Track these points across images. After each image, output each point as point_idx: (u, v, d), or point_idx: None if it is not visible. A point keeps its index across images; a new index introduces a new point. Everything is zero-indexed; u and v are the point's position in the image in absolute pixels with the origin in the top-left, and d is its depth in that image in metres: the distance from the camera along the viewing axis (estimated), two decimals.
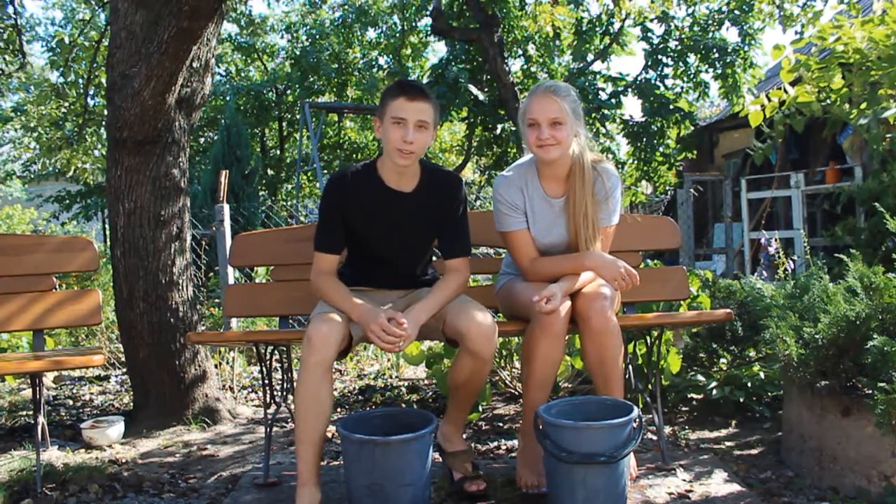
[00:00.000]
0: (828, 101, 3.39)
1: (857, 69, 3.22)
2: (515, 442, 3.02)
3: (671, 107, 9.25)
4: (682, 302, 3.40)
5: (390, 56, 13.53)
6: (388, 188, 2.42)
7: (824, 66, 3.30)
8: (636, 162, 9.78)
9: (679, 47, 9.40)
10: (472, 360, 2.32)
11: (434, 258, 2.67)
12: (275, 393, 2.77)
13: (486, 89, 9.24)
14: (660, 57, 9.43)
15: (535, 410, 2.33)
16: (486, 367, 2.37)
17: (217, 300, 5.61)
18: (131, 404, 3.74)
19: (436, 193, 2.45)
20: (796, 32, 5.39)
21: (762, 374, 3.33)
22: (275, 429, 3.30)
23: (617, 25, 9.65)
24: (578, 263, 2.45)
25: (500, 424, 3.40)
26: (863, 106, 3.22)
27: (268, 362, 2.72)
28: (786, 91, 3.46)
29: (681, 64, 9.43)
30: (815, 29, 3.58)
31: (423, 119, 2.32)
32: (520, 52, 10.05)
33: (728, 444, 2.99)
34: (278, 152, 14.04)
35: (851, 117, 3.28)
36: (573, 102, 2.47)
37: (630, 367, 2.84)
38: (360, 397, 4.00)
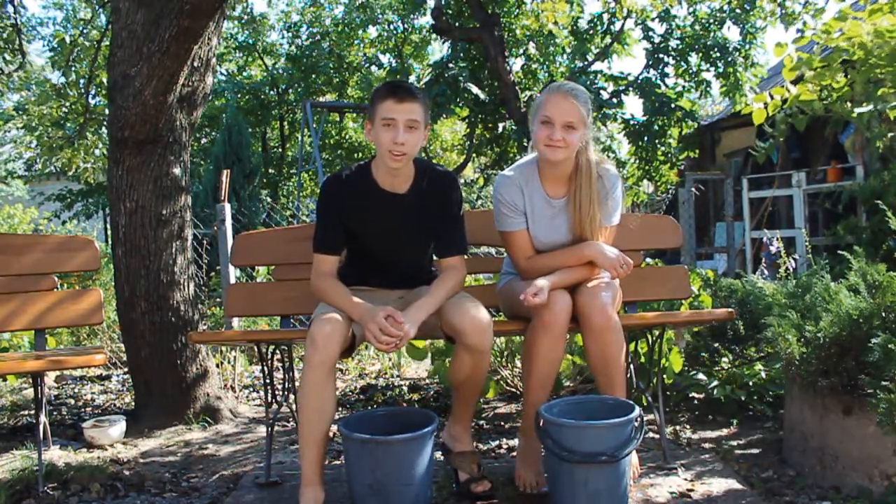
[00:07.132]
0: (829, 100, 3.36)
1: (861, 66, 3.19)
2: (516, 441, 3.01)
3: (672, 105, 9.24)
4: (683, 301, 3.40)
5: (393, 54, 13.51)
6: (382, 190, 2.42)
7: (826, 65, 3.27)
8: (637, 161, 9.77)
9: (680, 46, 9.38)
10: (470, 354, 2.32)
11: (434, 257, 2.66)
12: (276, 392, 2.77)
13: (486, 88, 9.23)
14: (661, 56, 9.41)
15: (535, 409, 2.33)
16: (485, 359, 2.37)
17: (218, 299, 5.61)
18: (133, 404, 3.74)
19: (430, 193, 2.44)
20: (798, 30, 5.37)
21: (764, 373, 3.33)
22: (276, 428, 3.29)
23: (618, 25, 9.64)
24: (578, 254, 2.47)
25: (502, 423, 3.40)
26: (865, 105, 3.20)
27: (269, 362, 2.72)
28: (788, 90, 3.45)
29: (682, 63, 9.41)
30: (819, 24, 3.55)
31: (413, 119, 2.31)
32: (520, 51, 10.04)
33: (730, 443, 2.99)
34: (280, 151, 14.04)
35: (853, 116, 3.26)
36: (588, 108, 2.47)
37: (632, 366, 2.84)
38: (361, 396, 4.00)
